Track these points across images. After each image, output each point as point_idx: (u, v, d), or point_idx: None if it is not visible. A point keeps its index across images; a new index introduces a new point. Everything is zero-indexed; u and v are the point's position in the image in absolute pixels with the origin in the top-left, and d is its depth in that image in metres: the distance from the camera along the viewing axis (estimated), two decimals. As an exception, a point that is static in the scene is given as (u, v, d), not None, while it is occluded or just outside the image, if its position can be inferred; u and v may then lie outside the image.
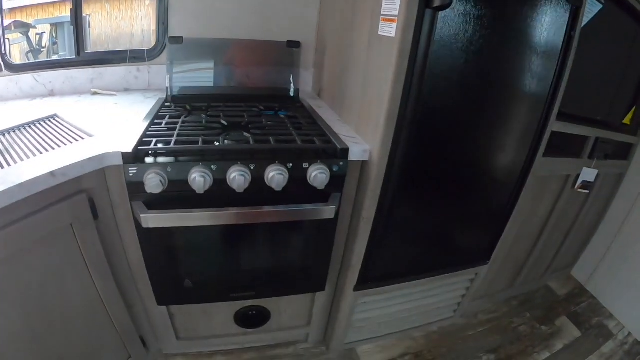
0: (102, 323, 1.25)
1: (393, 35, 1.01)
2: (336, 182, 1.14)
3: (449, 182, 1.29)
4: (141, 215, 1.04)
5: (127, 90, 1.62)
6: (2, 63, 1.50)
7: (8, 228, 0.91)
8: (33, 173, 0.94)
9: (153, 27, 1.60)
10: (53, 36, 2.05)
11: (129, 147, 1.04)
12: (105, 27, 1.74)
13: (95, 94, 1.56)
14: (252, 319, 1.46)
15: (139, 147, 1.04)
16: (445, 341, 1.71)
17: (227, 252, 1.24)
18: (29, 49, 1.90)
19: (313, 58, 1.61)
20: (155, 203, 1.06)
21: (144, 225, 1.06)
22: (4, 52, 1.50)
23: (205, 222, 1.10)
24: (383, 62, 1.07)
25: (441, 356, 1.64)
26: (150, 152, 1.05)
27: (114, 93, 1.56)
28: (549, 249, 1.92)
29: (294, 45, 1.51)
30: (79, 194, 1.04)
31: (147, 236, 1.14)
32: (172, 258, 1.21)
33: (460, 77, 1.10)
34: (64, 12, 1.88)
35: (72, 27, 1.63)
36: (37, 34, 2.06)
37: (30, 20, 1.84)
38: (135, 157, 1.03)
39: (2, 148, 1.15)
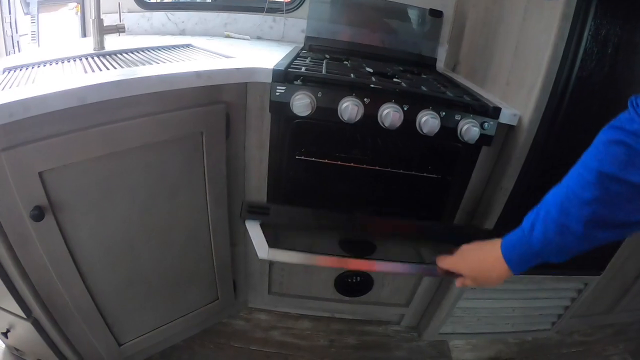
0: (202, 253, 1.20)
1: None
2: (484, 141, 1.06)
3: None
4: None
5: (260, 38, 1.63)
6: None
7: (141, 119, 0.90)
8: (178, 69, 0.93)
9: None
10: None
11: (280, 66, 1.01)
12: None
13: (228, 36, 1.57)
14: (352, 286, 1.39)
15: (290, 69, 1.01)
16: (538, 354, 1.56)
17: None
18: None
19: (448, 34, 1.56)
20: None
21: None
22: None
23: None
24: (543, 26, 1.01)
25: (532, 368, 1.50)
26: (301, 75, 1.00)
27: (247, 37, 1.56)
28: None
29: (437, 14, 1.45)
30: (218, 103, 1.01)
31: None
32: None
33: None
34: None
35: None
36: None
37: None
38: (286, 75, 0.99)
39: (141, 60, 1.16)
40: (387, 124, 0.98)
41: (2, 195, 0.78)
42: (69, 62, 1.14)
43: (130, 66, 1.07)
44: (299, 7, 1.59)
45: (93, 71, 1.00)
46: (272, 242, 0.92)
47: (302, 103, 0.96)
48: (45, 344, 1.06)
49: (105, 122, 0.85)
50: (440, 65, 1.58)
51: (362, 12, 1.47)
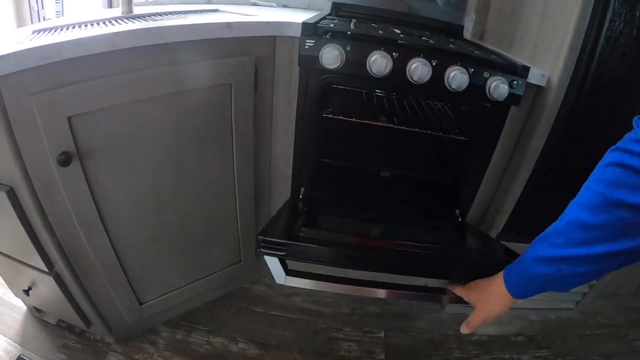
0: (227, 211, 1.21)
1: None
2: (512, 100, 1.05)
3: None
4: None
5: (285, 6, 1.64)
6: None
7: (171, 67, 0.91)
8: (209, 19, 0.96)
9: None
10: None
11: (309, 21, 1.01)
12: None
13: (254, 4, 1.59)
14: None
15: (319, 24, 1.02)
16: (561, 333, 1.53)
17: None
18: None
19: (475, 3, 1.55)
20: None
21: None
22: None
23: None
24: None
25: (555, 347, 1.47)
26: (330, 30, 1.00)
27: (274, 4, 1.58)
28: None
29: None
30: (247, 55, 1.02)
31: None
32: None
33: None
34: None
35: None
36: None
37: None
38: (315, 29, 1.00)
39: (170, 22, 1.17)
40: (415, 77, 0.97)
41: (30, 140, 0.80)
42: (98, 24, 1.16)
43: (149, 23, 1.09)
44: None
45: None
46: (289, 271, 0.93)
47: (331, 55, 0.96)
48: (66, 300, 1.08)
49: (136, 68, 0.87)
50: (467, 35, 1.57)
51: None
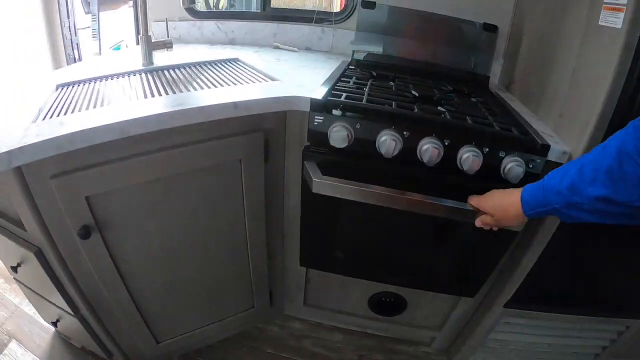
0: (239, 264, 1.25)
1: (619, 26, 0.86)
2: (528, 180, 1.00)
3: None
4: (313, 179, 0.99)
5: (308, 49, 1.63)
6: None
7: (180, 148, 0.94)
8: (216, 99, 0.95)
9: None
10: None
11: (319, 95, 1.01)
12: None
13: (276, 47, 1.59)
14: (386, 306, 1.39)
15: (329, 98, 1.00)
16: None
17: (386, 234, 1.17)
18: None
19: (504, 47, 1.48)
20: (329, 167, 1.02)
21: (314, 190, 1.01)
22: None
23: (379, 202, 1.02)
24: (602, 55, 0.92)
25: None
26: (340, 104, 0.99)
27: (296, 49, 1.57)
28: None
29: (491, 28, 1.37)
30: (256, 131, 1.03)
31: (311, 197, 1.08)
32: (330, 224, 1.17)
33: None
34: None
35: None
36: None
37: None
38: (324, 105, 0.99)
39: (185, 79, 1.20)
40: (425, 159, 0.95)
41: (53, 215, 0.87)
42: (117, 78, 1.22)
43: (173, 88, 1.12)
44: (348, 18, 1.57)
45: (137, 97, 1.06)
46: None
47: (339, 136, 0.96)
48: (89, 336, 1.17)
49: (147, 151, 0.91)
50: (495, 80, 1.50)
51: (411, 25, 1.43)
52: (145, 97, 1.04)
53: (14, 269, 1.11)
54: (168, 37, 1.36)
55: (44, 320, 1.48)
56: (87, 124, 0.81)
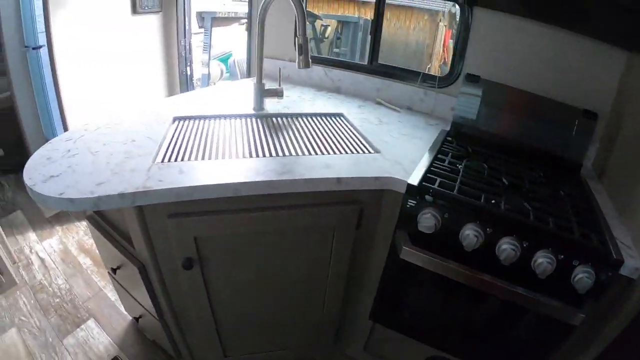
0: (313, 305, 1.40)
1: None
2: (595, 292, 1.05)
3: None
4: (403, 247, 1.12)
5: (409, 109, 1.69)
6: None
7: (282, 210, 1.09)
8: (320, 172, 1.08)
9: (441, 51, 1.67)
10: (337, 31, 2.32)
11: (414, 180, 1.12)
12: (390, 35, 1.88)
13: (379, 103, 1.67)
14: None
15: (424, 183, 1.12)
16: None
17: (453, 306, 1.27)
18: (312, 36, 2.18)
19: (601, 131, 1.48)
20: (418, 238, 1.14)
21: (401, 256, 1.14)
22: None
23: (459, 278, 1.13)
24: None
25: None
26: (431, 191, 1.10)
27: (398, 109, 1.64)
28: None
29: (591, 116, 1.39)
30: (353, 203, 1.16)
31: (395, 261, 1.21)
32: (405, 288, 1.29)
33: None
34: (348, 12, 2.08)
35: (359, 31, 1.79)
36: (322, 25, 2.35)
37: (318, 13, 2.10)
38: (418, 191, 1.11)
39: (293, 133, 1.35)
40: (501, 257, 1.05)
41: (163, 245, 1.08)
42: (229, 119, 1.41)
43: (282, 142, 1.28)
44: (452, 84, 1.63)
45: (249, 148, 1.23)
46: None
47: (427, 224, 1.08)
48: (166, 337, 1.38)
49: (254, 208, 1.08)
50: (588, 164, 1.52)
51: (511, 103, 1.48)
52: (257, 150, 1.22)
53: (113, 270, 1.33)
54: (280, 85, 1.50)
55: (126, 311, 1.71)
56: (204, 179, 0.98)
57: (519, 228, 1.07)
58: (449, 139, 1.47)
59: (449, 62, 1.65)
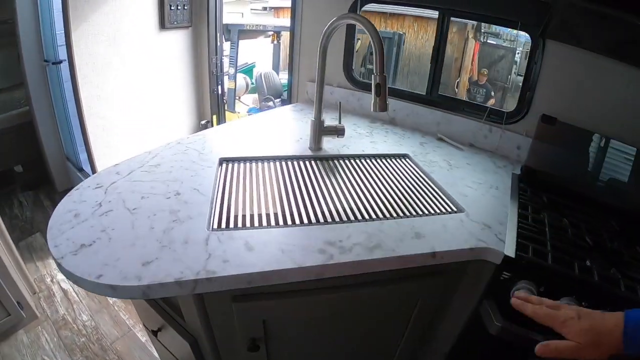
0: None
1: None
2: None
3: None
4: (495, 322, 1.05)
5: (472, 146, 1.59)
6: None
7: (362, 289, 0.98)
8: (413, 246, 0.96)
9: (470, 65, 1.58)
10: (370, 46, 2.17)
11: (510, 250, 1.05)
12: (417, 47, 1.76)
13: (440, 139, 1.57)
14: None
15: (519, 253, 1.05)
16: None
17: None
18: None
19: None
20: (507, 310, 1.05)
21: (490, 331, 1.06)
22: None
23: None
24: None
25: None
26: (527, 262, 1.04)
27: (461, 147, 1.54)
28: None
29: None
30: (441, 274, 1.07)
31: (476, 333, 1.14)
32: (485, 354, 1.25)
33: None
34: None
35: (393, 46, 1.70)
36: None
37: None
38: (514, 263, 1.03)
39: (360, 180, 1.25)
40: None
41: (224, 324, 0.95)
42: (284, 162, 1.28)
43: (352, 194, 1.18)
44: (520, 120, 1.53)
45: (324, 214, 1.09)
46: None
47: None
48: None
49: (332, 287, 0.95)
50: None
51: (588, 149, 1.40)
52: (330, 210, 1.09)
53: (154, 332, 1.16)
54: (340, 122, 1.37)
55: (158, 355, 1.54)
56: (279, 258, 0.83)
57: (614, 301, 1.06)
58: (521, 185, 1.40)
59: (475, 75, 1.57)
